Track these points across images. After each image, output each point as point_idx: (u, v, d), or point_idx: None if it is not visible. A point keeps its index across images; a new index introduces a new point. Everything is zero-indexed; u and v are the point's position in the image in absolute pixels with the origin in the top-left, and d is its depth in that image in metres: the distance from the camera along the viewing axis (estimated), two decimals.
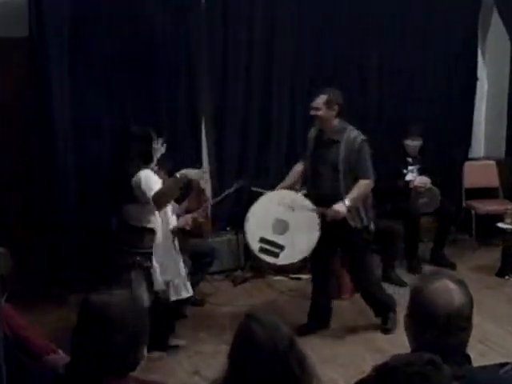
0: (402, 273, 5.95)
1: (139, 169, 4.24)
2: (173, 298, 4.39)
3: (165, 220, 4.37)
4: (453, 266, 6.06)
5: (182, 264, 4.43)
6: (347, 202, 4.47)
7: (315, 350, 4.52)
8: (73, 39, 5.18)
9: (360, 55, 6.61)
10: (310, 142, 4.75)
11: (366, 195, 4.66)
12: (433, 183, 6.04)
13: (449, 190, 6.63)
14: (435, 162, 6.52)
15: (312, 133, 4.76)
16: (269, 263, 4.71)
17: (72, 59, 5.20)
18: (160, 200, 4.17)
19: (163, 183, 4.23)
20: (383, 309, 4.89)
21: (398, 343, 1.99)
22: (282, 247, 4.58)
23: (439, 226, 6.34)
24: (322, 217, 4.55)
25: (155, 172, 4.35)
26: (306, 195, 4.78)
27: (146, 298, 4.19)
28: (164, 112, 5.71)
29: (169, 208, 4.40)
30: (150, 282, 4.28)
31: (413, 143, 6.19)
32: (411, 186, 6.00)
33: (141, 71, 5.51)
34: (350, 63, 6.56)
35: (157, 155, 4.41)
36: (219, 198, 5.16)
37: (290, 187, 4.83)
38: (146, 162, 4.31)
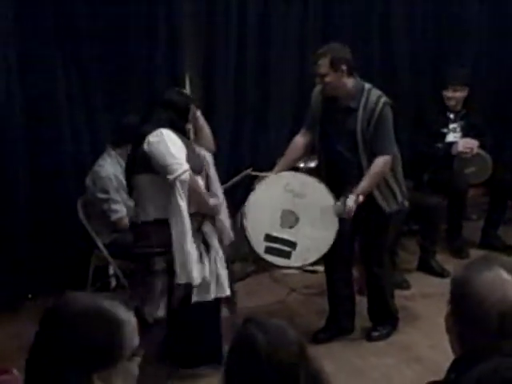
0: (444, 259, 6.00)
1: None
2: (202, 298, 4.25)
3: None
4: (509, 251, 6.06)
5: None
6: (360, 196, 4.43)
7: (338, 360, 4.62)
8: None
9: None
10: (317, 106, 4.69)
11: (383, 175, 4.62)
12: (482, 147, 6.03)
13: (504, 154, 6.62)
14: (485, 117, 6.50)
15: (317, 94, 4.70)
16: (279, 266, 4.73)
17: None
18: (192, 193, 4.05)
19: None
20: (385, 315, 4.98)
21: (442, 349, 1.99)
22: (293, 245, 4.55)
23: (491, 200, 6.37)
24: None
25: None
26: (317, 170, 4.78)
27: (162, 306, 4.17)
28: (140, 75, 5.77)
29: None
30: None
31: (455, 94, 6.14)
32: (454, 151, 5.97)
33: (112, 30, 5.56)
34: None
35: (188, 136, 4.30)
36: (225, 187, 5.15)
37: (292, 165, 4.83)
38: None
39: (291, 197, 4.56)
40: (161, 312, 4.12)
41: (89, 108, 5.65)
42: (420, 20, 6.87)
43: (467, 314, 1.88)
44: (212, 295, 4.25)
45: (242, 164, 6.13)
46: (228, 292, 4.31)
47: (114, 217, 5.08)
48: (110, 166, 5.14)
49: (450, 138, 6.16)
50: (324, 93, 4.61)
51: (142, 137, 4.06)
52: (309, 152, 4.90)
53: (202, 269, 4.17)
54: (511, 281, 1.87)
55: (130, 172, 4.27)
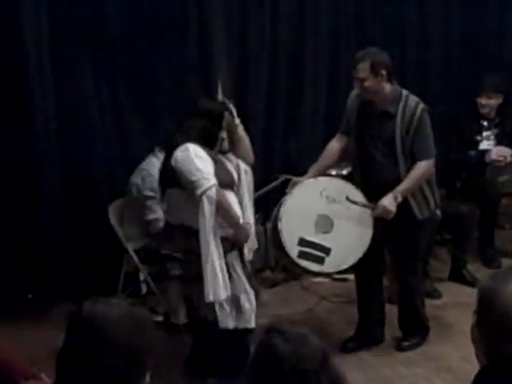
0: (475, 269, 5.96)
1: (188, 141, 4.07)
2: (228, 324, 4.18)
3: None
4: None
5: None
6: (399, 196, 4.46)
7: (368, 370, 4.62)
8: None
9: None
10: (353, 111, 4.70)
11: (424, 179, 4.64)
12: None
13: None
14: None
15: (353, 99, 4.70)
16: (312, 271, 4.71)
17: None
18: (220, 207, 3.99)
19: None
20: (415, 325, 4.95)
21: (472, 360, 1.99)
22: (327, 250, 4.55)
23: None
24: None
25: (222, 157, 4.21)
26: (349, 177, 4.78)
27: (182, 313, 4.17)
28: (172, 80, 5.81)
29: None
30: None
31: (489, 102, 6.11)
32: (487, 159, 5.94)
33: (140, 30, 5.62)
34: None
35: (221, 144, 4.26)
36: (262, 192, 5.16)
37: (326, 170, 4.84)
38: (207, 144, 4.13)
39: (327, 202, 4.57)
40: (179, 319, 4.13)
41: (119, 113, 5.70)
42: (455, 25, 6.86)
43: (493, 325, 1.88)
44: (231, 324, 4.19)
45: (273, 169, 6.19)
46: (253, 325, 4.27)
47: (150, 216, 5.08)
48: (159, 165, 5.16)
49: (484, 145, 6.13)
50: (362, 97, 4.61)
51: (172, 148, 4.08)
52: (342, 158, 4.90)
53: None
54: None
55: (162, 183, 4.30)
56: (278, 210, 4.57)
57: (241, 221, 4.13)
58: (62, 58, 5.39)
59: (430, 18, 6.76)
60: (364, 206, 4.56)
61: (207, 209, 3.95)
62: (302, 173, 4.86)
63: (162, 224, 4.89)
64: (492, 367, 1.89)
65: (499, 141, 6.11)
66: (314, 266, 4.58)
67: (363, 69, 4.46)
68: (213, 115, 4.19)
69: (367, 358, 4.79)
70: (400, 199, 4.47)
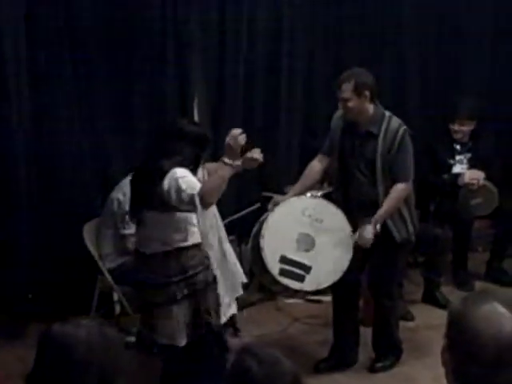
0: (448, 291, 6.00)
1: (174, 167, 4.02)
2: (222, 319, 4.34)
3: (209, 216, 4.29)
4: None
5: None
6: (378, 223, 4.52)
7: None
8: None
9: None
10: (336, 131, 4.74)
11: (402, 201, 4.67)
12: (488, 178, 6.03)
13: (510, 186, 6.62)
14: (492, 148, 6.49)
15: (337, 119, 4.76)
16: (292, 289, 4.71)
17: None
18: (209, 196, 3.92)
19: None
20: (388, 347, 4.98)
21: (444, 382, 1.99)
22: (308, 269, 4.56)
23: (497, 232, 6.37)
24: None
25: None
26: (329, 195, 4.81)
27: (183, 336, 4.17)
28: (146, 91, 5.80)
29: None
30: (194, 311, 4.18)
31: (461, 128, 6.14)
32: (460, 182, 5.98)
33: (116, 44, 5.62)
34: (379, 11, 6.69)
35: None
36: (238, 216, 5.13)
37: (307, 190, 4.86)
38: (193, 170, 4.12)
39: (309, 221, 4.60)
40: (183, 341, 4.13)
41: (94, 132, 5.68)
42: (431, 51, 6.93)
43: (463, 348, 1.88)
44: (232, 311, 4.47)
45: (250, 188, 6.19)
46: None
47: (127, 231, 5.07)
48: None
49: (457, 169, 6.17)
50: (345, 118, 4.65)
51: (162, 174, 4.01)
52: (323, 178, 4.96)
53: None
54: (507, 315, 1.87)
55: (139, 204, 4.27)
56: (260, 227, 4.58)
57: (234, 164, 4.00)
58: (39, 76, 5.39)
59: (405, 42, 6.83)
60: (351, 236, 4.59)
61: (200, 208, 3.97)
62: (277, 193, 4.89)
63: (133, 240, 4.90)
64: None
65: (472, 164, 6.15)
66: (294, 284, 4.59)
67: (347, 89, 4.49)
68: (200, 141, 4.19)
69: (340, 379, 4.81)
70: (379, 226, 4.52)
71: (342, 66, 4.99)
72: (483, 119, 6.31)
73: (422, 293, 6.03)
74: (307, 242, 4.59)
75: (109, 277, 5.07)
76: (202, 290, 4.14)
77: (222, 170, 3.97)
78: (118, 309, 5.46)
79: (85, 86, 5.62)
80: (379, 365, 4.93)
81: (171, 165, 4.03)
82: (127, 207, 5.04)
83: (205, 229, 4.28)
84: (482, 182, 5.95)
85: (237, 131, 3.95)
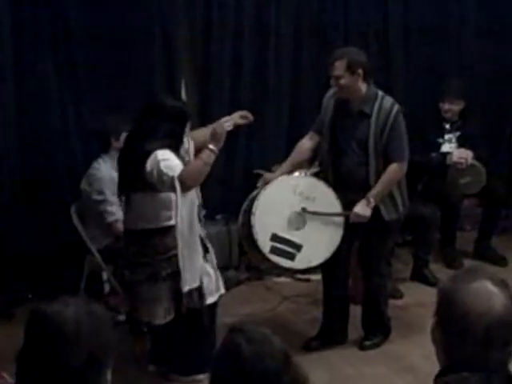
0: (437, 269, 6.02)
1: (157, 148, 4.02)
2: (209, 300, 4.31)
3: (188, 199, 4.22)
4: (502, 262, 6.13)
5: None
6: (372, 200, 4.51)
7: (330, 369, 4.65)
8: None
9: None
10: (328, 110, 4.71)
11: (397, 181, 4.67)
12: (477, 157, 6.02)
13: (497, 165, 6.64)
14: (480, 129, 6.51)
15: (329, 98, 4.73)
16: (282, 267, 4.71)
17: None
18: (189, 180, 3.96)
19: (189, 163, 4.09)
20: (377, 324, 5.00)
21: (434, 359, 2.00)
22: (298, 247, 4.56)
23: (485, 211, 6.38)
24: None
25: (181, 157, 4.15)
26: (317, 174, 4.80)
27: (161, 315, 4.17)
28: (135, 80, 5.80)
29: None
30: (177, 291, 4.18)
31: (451, 107, 6.14)
32: (449, 161, 5.97)
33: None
34: None
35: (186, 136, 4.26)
36: None
37: (297, 168, 4.84)
38: (175, 147, 4.10)
39: (300, 199, 4.59)
40: (163, 320, 4.14)
41: (82, 115, 5.67)
42: (417, 30, 6.90)
43: (453, 325, 1.89)
44: (219, 293, 4.38)
45: (236, 171, 6.19)
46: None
47: (109, 219, 5.07)
48: (106, 168, 5.14)
49: (446, 148, 6.17)
50: (338, 96, 4.63)
51: (144, 155, 4.02)
52: (313, 156, 4.92)
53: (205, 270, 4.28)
54: (497, 292, 1.88)
55: (125, 186, 4.29)
56: (251, 204, 4.57)
57: (213, 149, 4.00)
58: (24, 56, 5.38)
59: (391, 22, 6.80)
60: (339, 215, 4.59)
61: (179, 195, 4.01)
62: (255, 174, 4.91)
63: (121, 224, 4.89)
64: (452, 367, 1.90)
65: (461, 143, 6.15)
66: (285, 262, 4.59)
67: (339, 67, 4.47)
68: (179, 116, 4.18)
69: (330, 357, 4.82)
70: (373, 204, 4.52)
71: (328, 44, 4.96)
72: (471, 98, 6.31)
73: (410, 271, 6.04)
74: (298, 220, 4.58)
75: (98, 256, 5.05)
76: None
77: (205, 155, 3.98)
78: (107, 288, 5.45)
79: (72, 68, 5.61)
80: (368, 343, 4.94)
81: (153, 145, 4.03)
82: (95, 196, 5.09)
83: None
84: (470, 160, 5.95)
85: (224, 119, 3.95)
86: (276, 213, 4.57)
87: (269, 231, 4.53)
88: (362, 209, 4.52)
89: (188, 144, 4.31)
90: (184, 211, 4.13)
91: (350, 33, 6.55)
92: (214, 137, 4.00)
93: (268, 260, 4.60)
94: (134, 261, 4.20)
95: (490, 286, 1.89)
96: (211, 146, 3.97)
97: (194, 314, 4.25)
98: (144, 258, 4.16)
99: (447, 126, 6.21)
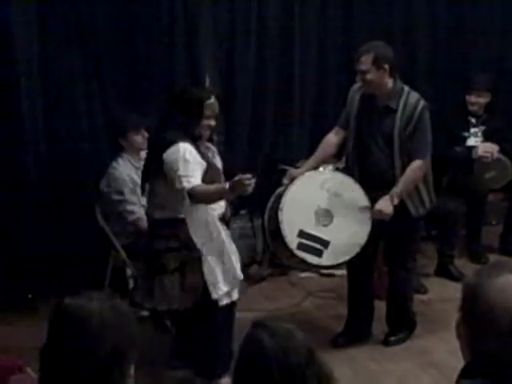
0: (462, 264, 6.00)
1: (178, 140, 4.01)
2: (224, 301, 4.23)
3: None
4: None
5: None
6: (395, 198, 4.48)
7: (355, 365, 4.65)
8: None
9: None
10: (353, 104, 4.68)
11: (420, 178, 4.65)
12: (502, 151, 6.00)
13: None
14: (506, 123, 6.46)
15: (354, 93, 4.70)
16: (310, 264, 4.68)
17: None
18: (197, 199, 3.98)
19: (206, 177, 4.04)
20: (402, 321, 4.98)
21: (459, 355, 1.98)
22: (326, 243, 4.53)
23: (510, 205, 6.35)
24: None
25: (201, 153, 4.14)
26: (341, 170, 4.79)
27: (175, 302, 4.15)
28: (158, 74, 5.81)
29: None
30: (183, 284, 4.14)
31: (478, 100, 6.12)
32: (474, 155, 5.94)
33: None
34: None
35: (207, 131, 4.19)
36: None
37: (323, 163, 4.83)
38: (191, 137, 4.08)
39: (328, 195, 4.56)
40: (183, 305, 4.14)
41: (107, 110, 5.69)
42: (443, 22, 6.89)
43: (478, 320, 1.87)
44: (236, 295, 4.30)
45: (260, 166, 6.20)
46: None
47: (130, 218, 5.09)
48: (124, 168, 5.16)
49: (471, 142, 6.14)
50: (364, 91, 4.60)
51: (165, 146, 4.02)
52: (340, 151, 4.90)
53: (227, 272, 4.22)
54: None
55: (147, 175, 4.31)
56: (279, 200, 4.54)
57: (226, 185, 3.94)
58: (50, 54, 5.42)
59: (417, 14, 6.78)
60: (364, 208, 4.56)
61: (187, 203, 4.03)
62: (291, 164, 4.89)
63: (144, 222, 4.89)
64: (476, 363, 1.89)
65: (486, 137, 6.13)
66: (312, 259, 4.55)
67: (366, 61, 4.44)
68: (191, 106, 4.08)
69: (354, 353, 4.81)
70: (397, 201, 4.49)
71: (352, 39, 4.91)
72: (497, 92, 6.27)
73: (435, 266, 6.03)
74: (326, 217, 4.56)
75: (122, 252, 5.08)
76: (191, 264, 4.12)
77: (222, 188, 3.96)
78: (131, 284, 5.47)
79: (95, 73, 5.64)
80: (393, 338, 4.92)
81: (172, 136, 4.04)
82: (114, 196, 5.10)
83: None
84: (496, 154, 5.92)
85: (249, 177, 3.88)
86: (303, 209, 4.54)
87: (296, 227, 4.50)
88: (384, 206, 4.49)
89: (218, 157, 4.35)
90: (199, 213, 4.12)
91: (375, 28, 6.51)
92: (234, 185, 3.88)
93: (295, 256, 4.57)
94: (149, 251, 4.22)
95: None
96: (228, 189, 3.90)
97: (205, 312, 4.19)
98: (156, 247, 4.16)
99: (473, 120, 6.19)
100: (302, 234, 4.50)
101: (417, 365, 4.65)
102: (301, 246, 4.50)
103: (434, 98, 6.53)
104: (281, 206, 4.48)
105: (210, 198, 4.05)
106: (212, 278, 4.15)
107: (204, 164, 4.06)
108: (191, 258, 4.12)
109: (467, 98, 6.13)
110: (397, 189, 4.50)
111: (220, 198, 4.09)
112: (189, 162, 3.96)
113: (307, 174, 4.64)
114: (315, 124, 6.42)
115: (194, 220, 4.12)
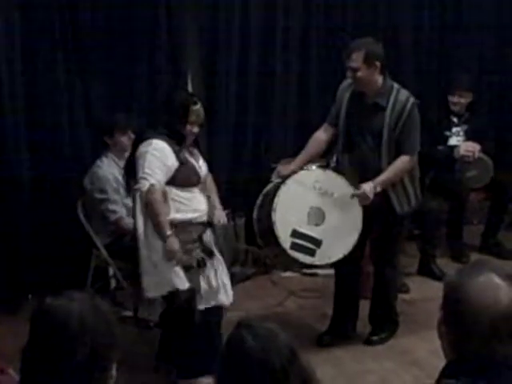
0: (444, 263, 6.02)
1: (155, 137, 4.06)
2: (201, 306, 4.18)
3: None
4: (509, 256, 6.11)
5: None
6: (378, 185, 4.47)
7: (337, 364, 4.66)
8: None
9: None
10: (343, 102, 4.66)
11: (405, 173, 4.65)
12: (484, 151, 6.01)
13: (505, 159, 6.62)
14: (488, 122, 6.51)
15: (344, 90, 4.69)
16: (303, 263, 4.68)
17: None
18: (147, 202, 4.00)
19: (179, 174, 4.08)
20: (386, 319, 4.99)
21: (441, 354, 1.99)
22: (318, 243, 4.53)
23: (492, 204, 6.38)
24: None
25: (188, 154, 4.19)
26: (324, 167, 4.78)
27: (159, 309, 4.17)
28: (141, 74, 5.80)
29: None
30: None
31: (460, 100, 6.13)
32: (456, 154, 5.96)
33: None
34: None
35: (190, 136, 4.21)
36: None
37: (311, 160, 4.81)
38: (173, 138, 4.10)
39: (320, 194, 4.55)
40: (155, 314, 4.13)
41: (89, 109, 5.67)
42: (426, 23, 6.91)
43: (459, 319, 1.88)
44: (217, 302, 4.24)
45: (242, 166, 6.19)
46: (231, 300, 4.33)
47: (112, 217, 5.07)
48: (108, 167, 5.15)
49: (453, 141, 6.16)
50: (353, 88, 4.59)
51: (142, 141, 4.10)
52: (329, 149, 4.87)
53: (200, 277, 4.16)
54: (503, 285, 1.87)
55: (128, 174, 4.31)
56: (270, 200, 4.50)
57: (168, 233, 4.00)
58: (33, 52, 5.39)
59: (400, 14, 6.80)
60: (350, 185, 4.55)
61: (138, 206, 4.05)
62: (273, 170, 4.87)
63: (127, 221, 4.88)
64: (457, 362, 1.90)
65: (468, 137, 6.14)
66: (305, 258, 4.55)
67: (357, 59, 4.43)
68: (177, 108, 4.14)
69: (336, 352, 4.81)
70: (379, 189, 4.48)
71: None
72: (478, 92, 6.30)
73: (417, 265, 6.05)
74: (318, 216, 4.55)
75: (104, 251, 5.06)
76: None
77: (164, 227, 3.99)
78: (113, 283, 5.46)
79: (79, 67, 5.61)
80: (375, 338, 4.93)
81: (152, 134, 4.08)
82: (97, 195, 5.09)
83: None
84: (477, 154, 5.93)
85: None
86: (296, 208, 4.53)
87: (289, 227, 4.49)
88: (369, 189, 4.45)
89: (202, 161, 4.34)
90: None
91: (359, 28, 6.52)
92: (169, 246, 3.99)
93: (288, 256, 4.56)
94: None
95: (496, 280, 1.88)
96: (168, 235, 3.97)
97: (187, 315, 4.15)
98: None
99: (455, 120, 6.20)
100: (295, 233, 4.49)
101: (399, 364, 4.65)
102: (294, 246, 4.49)
103: (417, 96, 6.58)
104: (274, 206, 4.45)
105: (152, 213, 4.01)
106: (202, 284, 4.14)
107: (175, 164, 4.05)
108: None
109: (449, 97, 6.14)
110: (380, 178, 4.49)
111: (157, 226, 4.02)
112: (154, 158, 3.99)
113: (300, 173, 4.61)
114: (299, 122, 6.42)
115: (141, 226, 4.10)
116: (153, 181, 3.96)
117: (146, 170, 3.98)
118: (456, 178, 6.02)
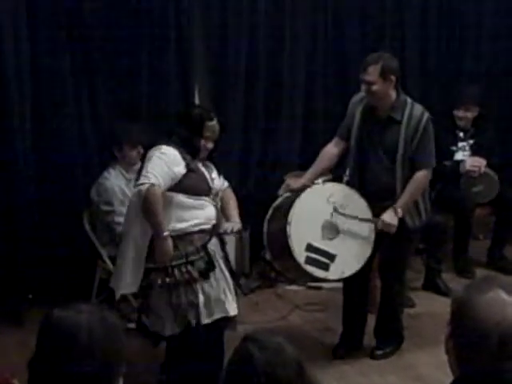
0: (449, 278, 6.02)
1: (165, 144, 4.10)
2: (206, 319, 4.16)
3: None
4: None
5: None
6: (400, 210, 4.49)
7: (342, 378, 4.66)
8: None
9: None
10: (355, 116, 4.65)
11: (423, 189, 4.67)
12: (490, 166, 6.03)
13: (511, 174, 6.61)
14: (494, 137, 6.48)
15: (356, 103, 4.68)
16: (318, 277, 4.67)
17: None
18: (145, 203, 3.98)
19: (186, 180, 4.09)
20: (391, 333, 4.98)
21: (445, 369, 1.99)
22: (332, 257, 4.52)
23: (498, 219, 6.37)
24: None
25: (201, 165, 4.22)
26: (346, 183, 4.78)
27: (169, 327, 4.13)
28: (147, 82, 5.80)
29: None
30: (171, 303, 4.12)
31: (466, 114, 6.13)
32: (462, 169, 5.97)
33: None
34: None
35: (204, 151, 4.24)
36: None
37: (322, 174, 4.83)
38: (183, 148, 4.13)
39: (334, 209, 4.55)
40: (168, 331, 4.12)
41: (97, 120, 5.68)
42: (433, 37, 6.94)
43: (466, 335, 1.88)
44: (218, 315, 4.20)
45: (250, 174, 6.18)
46: (236, 311, 4.30)
47: (118, 229, 5.08)
48: (115, 179, 5.16)
49: (459, 156, 6.16)
50: (367, 102, 4.59)
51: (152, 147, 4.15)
52: (339, 163, 4.87)
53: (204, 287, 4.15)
54: (510, 302, 1.87)
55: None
56: (287, 214, 4.47)
57: (165, 233, 4.02)
58: (41, 64, 5.39)
59: (407, 28, 6.83)
60: (368, 220, 4.56)
61: (134, 203, 4.06)
62: (279, 182, 4.87)
63: None
64: (464, 378, 1.90)
65: (474, 151, 6.14)
66: (319, 272, 4.54)
67: (373, 72, 4.42)
68: (193, 123, 4.17)
69: (341, 366, 4.81)
70: (401, 213, 4.49)
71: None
72: (485, 106, 6.30)
73: (422, 280, 6.04)
74: (332, 230, 4.55)
75: (109, 262, 5.06)
76: (183, 284, 4.10)
77: (161, 228, 4.00)
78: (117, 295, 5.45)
79: (86, 75, 5.62)
80: (380, 352, 4.92)
81: (167, 141, 4.10)
82: (103, 207, 5.10)
83: None
84: (483, 169, 5.94)
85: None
86: (311, 222, 4.52)
87: (304, 241, 4.48)
88: (390, 217, 4.50)
89: (216, 174, 4.36)
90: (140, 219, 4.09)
91: (365, 39, 6.55)
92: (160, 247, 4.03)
93: (301, 270, 4.54)
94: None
95: (503, 296, 1.88)
96: (163, 236, 4.00)
97: (193, 331, 4.15)
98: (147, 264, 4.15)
99: (461, 134, 6.20)
100: (309, 247, 4.48)
101: (402, 379, 4.65)
102: (308, 260, 4.48)
103: None
104: (289, 219, 4.44)
105: (150, 212, 4.00)
106: (201, 300, 4.12)
107: (183, 170, 4.06)
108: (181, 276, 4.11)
109: (455, 112, 6.15)
110: (402, 201, 4.50)
111: (154, 226, 4.03)
112: (160, 161, 4.01)
113: (314, 187, 4.62)
114: (305, 135, 6.44)
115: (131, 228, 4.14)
116: (154, 181, 3.95)
117: (149, 170, 3.98)
118: (462, 193, 6.03)
